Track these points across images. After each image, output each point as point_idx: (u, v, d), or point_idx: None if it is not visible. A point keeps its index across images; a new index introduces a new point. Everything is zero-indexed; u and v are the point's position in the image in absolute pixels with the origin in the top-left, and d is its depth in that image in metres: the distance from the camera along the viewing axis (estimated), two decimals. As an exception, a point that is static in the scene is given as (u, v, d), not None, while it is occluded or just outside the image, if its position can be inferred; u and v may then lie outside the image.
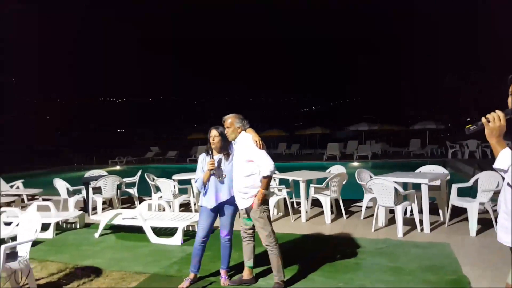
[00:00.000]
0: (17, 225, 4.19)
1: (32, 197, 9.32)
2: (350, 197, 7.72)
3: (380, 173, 6.55)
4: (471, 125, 2.09)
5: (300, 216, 6.76)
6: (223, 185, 3.93)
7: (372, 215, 6.03)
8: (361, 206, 6.71)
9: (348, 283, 3.95)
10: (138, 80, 39.14)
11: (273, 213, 7.03)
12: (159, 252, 5.19)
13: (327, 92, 39.74)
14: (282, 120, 37.14)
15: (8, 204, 8.21)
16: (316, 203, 7.18)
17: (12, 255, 3.52)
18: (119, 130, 41.11)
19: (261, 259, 4.28)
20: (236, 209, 4.02)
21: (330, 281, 3.99)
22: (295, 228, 6.23)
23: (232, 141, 3.95)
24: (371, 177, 6.53)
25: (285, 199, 7.00)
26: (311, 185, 6.91)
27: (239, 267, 4.28)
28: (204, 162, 4.00)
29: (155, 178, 7.94)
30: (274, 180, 7.60)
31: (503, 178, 2.04)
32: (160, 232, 5.97)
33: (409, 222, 5.94)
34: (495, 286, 3.59)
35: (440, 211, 6.23)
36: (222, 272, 4.12)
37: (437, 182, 6.13)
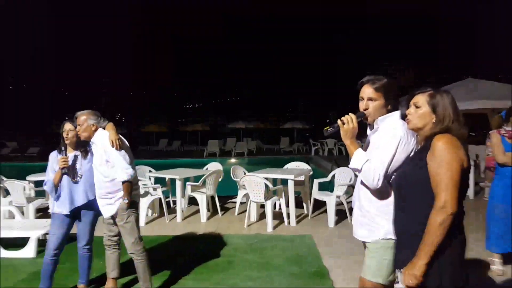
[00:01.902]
0: None
1: None
2: (227, 194, 7.83)
3: (254, 169, 6.81)
4: (328, 127, 2.23)
5: (176, 216, 6.57)
6: (78, 187, 3.49)
7: (245, 211, 6.19)
8: (236, 202, 6.85)
9: (220, 283, 3.95)
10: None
11: (147, 214, 6.68)
12: (6, 268, 4.43)
13: (210, 89, 40.03)
14: (164, 116, 36.08)
15: None
16: (193, 201, 7.08)
17: None
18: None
19: (126, 268, 3.96)
20: (96, 214, 3.64)
21: (200, 284, 3.93)
22: (169, 229, 6.03)
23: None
24: (244, 173, 6.72)
25: (160, 198, 6.72)
26: (187, 183, 6.78)
27: (102, 279, 3.89)
28: (55, 160, 3.51)
29: (3, 179, 6.81)
30: (150, 179, 7.26)
31: (356, 175, 2.23)
32: (9, 243, 5.10)
33: (278, 216, 6.27)
34: (350, 274, 3.98)
35: (304, 205, 6.74)
36: (81, 287, 3.70)
37: (301, 178, 6.60)
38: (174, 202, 7.44)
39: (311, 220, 6.35)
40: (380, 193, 2.11)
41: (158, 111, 37.10)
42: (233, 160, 17.89)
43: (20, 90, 36.20)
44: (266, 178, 5.86)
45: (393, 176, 2.05)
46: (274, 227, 5.87)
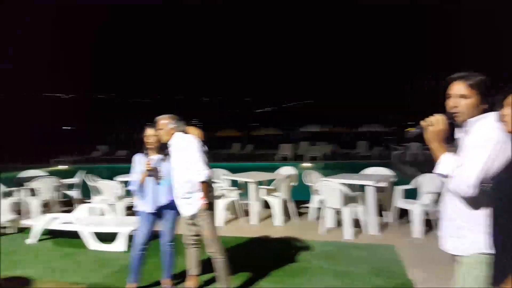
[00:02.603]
0: None
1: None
2: (299, 198, 7.74)
3: (329, 174, 6.63)
4: (413, 128, 2.07)
5: (251, 219, 6.65)
6: (161, 188, 3.71)
7: (320, 216, 6.06)
8: (309, 208, 6.73)
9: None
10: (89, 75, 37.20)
11: (223, 216, 6.86)
12: (100, 260, 4.85)
13: (282, 93, 40.18)
14: (237, 120, 37.07)
15: None
16: (267, 205, 7.12)
17: None
18: (64, 128, 38.80)
19: (208, 265, 4.08)
20: (177, 213, 3.81)
21: (278, 286, 3.91)
22: (244, 231, 6.12)
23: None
24: (319, 179, 6.58)
25: (236, 201, 6.86)
26: (260, 187, 6.83)
27: (184, 275, 4.04)
28: (139, 163, 3.76)
29: (96, 179, 7.48)
30: (224, 182, 7.46)
31: (443, 182, 2.02)
32: (102, 237, 5.57)
33: (356, 224, 6.03)
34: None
35: (386, 213, 6.38)
36: (165, 282, 3.90)
37: (382, 184, 6.29)
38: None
39: (393, 229, 5.98)
40: (474, 202, 1.87)
41: (231, 116, 38.23)
42: (305, 164, 17.68)
43: (111, 102, 39.92)
44: (343, 184, 5.66)
45: (488, 184, 1.81)
46: (352, 235, 5.65)
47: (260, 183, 6.92)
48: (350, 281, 4.03)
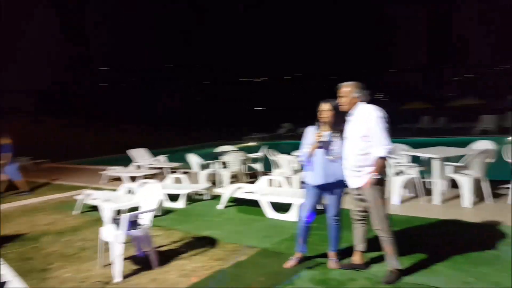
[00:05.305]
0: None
1: (173, 171, 10.45)
2: (499, 178, 6.42)
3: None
4: None
5: (433, 199, 5.92)
6: (333, 165, 3.58)
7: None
8: (509, 189, 5.56)
9: (480, 278, 3.33)
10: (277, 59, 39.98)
11: (400, 194, 6.34)
12: (273, 228, 5.20)
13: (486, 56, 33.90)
14: (427, 91, 33.55)
15: (151, 176, 9.38)
16: (455, 184, 6.20)
17: (134, 223, 3.92)
18: (256, 108, 42.98)
19: (376, 243, 3.84)
20: (343, 188, 3.68)
21: (458, 274, 3.41)
22: (424, 211, 5.52)
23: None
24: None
25: (416, 178, 6.21)
26: (446, 163, 5.97)
27: (350, 250, 3.91)
28: (310, 135, 3.71)
29: (276, 154, 7.99)
30: (403, 157, 6.83)
31: None
32: (279, 207, 5.95)
33: None
34: None
35: None
36: (330, 254, 3.86)
37: None
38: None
39: None
40: None
41: (422, 87, 34.93)
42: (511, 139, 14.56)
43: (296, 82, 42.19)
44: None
45: None
46: None
47: (447, 159, 6.07)
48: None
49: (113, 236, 3.80)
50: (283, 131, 25.34)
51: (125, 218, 3.79)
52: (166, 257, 4.19)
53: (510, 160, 5.53)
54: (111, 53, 39.98)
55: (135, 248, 4.25)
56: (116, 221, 3.93)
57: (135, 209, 4.49)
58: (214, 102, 38.10)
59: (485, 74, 37.65)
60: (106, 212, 4.93)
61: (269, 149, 8.65)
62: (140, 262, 4.06)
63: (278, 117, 27.02)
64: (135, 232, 3.91)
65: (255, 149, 9.49)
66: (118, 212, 5.01)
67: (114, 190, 6.82)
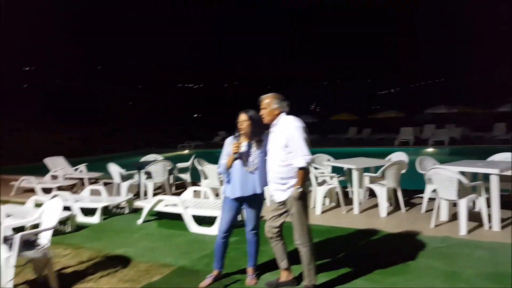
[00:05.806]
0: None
1: (94, 181, 9.78)
2: (413, 188, 6.84)
3: (453, 161, 5.71)
4: None
5: (353, 208, 6.12)
6: (252, 177, 3.49)
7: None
8: (423, 198, 5.90)
9: None
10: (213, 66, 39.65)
11: (323, 204, 6.48)
12: (195, 243, 4.98)
13: (406, 73, 36.72)
14: (354, 103, 35.43)
15: (71, 187, 8.67)
16: (373, 193, 6.48)
17: (32, 243, 3.49)
18: (195, 115, 42.14)
19: (293, 257, 3.79)
20: (262, 201, 3.62)
21: (372, 285, 3.47)
22: (345, 221, 5.66)
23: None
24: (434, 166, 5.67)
25: (336, 188, 6.39)
26: (365, 173, 6.21)
27: (271, 264, 3.84)
28: (229, 145, 3.60)
29: (203, 163, 7.77)
30: (326, 168, 7.02)
31: None
32: (205, 220, 5.73)
33: (476, 218, 5.04)
34: None
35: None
36: (249, 270, 3.75)
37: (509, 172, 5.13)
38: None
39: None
40: None
41: (350, 99, 36.79)
42: (429, 150, 15.85)
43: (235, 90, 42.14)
44: (462, 173, 4.74)
45: None
46: (470, 231, 4.75)
47: (366, 169, 6.32)
48: (457, 284, 3.39)
49: (3, 259, 3.34)
50: (219, 139, 25.14)
51: (17, 237, 3.35)
52: (69, 280, 3.78)
53: (422, 171, 5.88)
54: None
55: (34, 271, 3.80)
56: (8, 241, 3.46)
57: (37, 226, 4.04)
58: (150, 107, 36.65)
59: (407, 88, 40.76)
60: None
61: (197, 158, 8.42)
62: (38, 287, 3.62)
63: (215, 124, 26.69)
64: (31, 254, 3.47)
65: (187, 158, 9.17)
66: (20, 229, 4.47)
67: (23, 203, 6.14)
